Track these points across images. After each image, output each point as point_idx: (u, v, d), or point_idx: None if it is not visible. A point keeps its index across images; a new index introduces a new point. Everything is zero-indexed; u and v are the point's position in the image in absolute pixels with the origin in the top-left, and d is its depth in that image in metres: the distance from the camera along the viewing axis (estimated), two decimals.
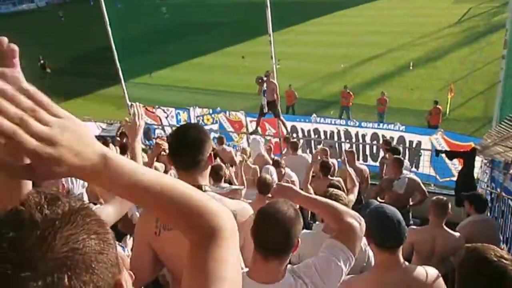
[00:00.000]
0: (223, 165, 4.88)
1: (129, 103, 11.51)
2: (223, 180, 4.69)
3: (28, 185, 0.83)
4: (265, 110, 9.53)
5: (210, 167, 1.92)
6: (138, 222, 1.94)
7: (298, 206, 1.78)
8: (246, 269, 1.74)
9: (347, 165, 5.18)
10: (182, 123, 11.55)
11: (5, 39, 0.68)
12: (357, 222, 1.74)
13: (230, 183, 5.56)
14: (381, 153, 8.61)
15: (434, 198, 3.84)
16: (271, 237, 1.62)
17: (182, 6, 37.51)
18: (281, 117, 10.05)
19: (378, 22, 29.42)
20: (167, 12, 32.90)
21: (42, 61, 26.11)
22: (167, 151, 2.34)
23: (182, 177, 1.82)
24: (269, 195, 1.85)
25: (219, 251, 0.84)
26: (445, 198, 3.78)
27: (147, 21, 31.81)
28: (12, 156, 0.62)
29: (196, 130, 1.87)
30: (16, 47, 0.68)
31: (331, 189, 3.24)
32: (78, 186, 3.43)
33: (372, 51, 22.82)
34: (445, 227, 3.77)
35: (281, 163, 6.42)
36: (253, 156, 7.81)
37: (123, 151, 6.45)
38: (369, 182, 6.95)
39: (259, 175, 6.30)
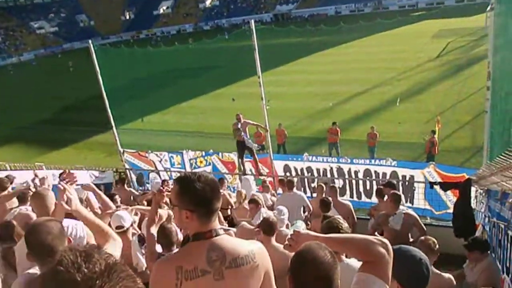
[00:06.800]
0: None
1: (121, 150, 11.46)
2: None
3: None
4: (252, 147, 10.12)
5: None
6: (155, 273, 1.83)
7: None
8: None
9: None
10: (176, 166, 11.48)
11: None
12: (383, 248, 1.71)
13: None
14: (375, 187, 8.56)
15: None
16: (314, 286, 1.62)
17: (172, 52, 38.33)
18: (255, 156, 10.27)
19: (362, 59, 30.34)
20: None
21: None
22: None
23: (205, 224, 1.86)
24: (287, 242, 1.85)
25: None
26: None
27: (138, 68, 32.28)
28: None
29: (216, 180, 1.95)
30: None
31: (330, 218, 3.28)
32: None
33: (359, 87, 23.38)
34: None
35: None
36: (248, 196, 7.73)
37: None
38: (355, 217, 7.00)
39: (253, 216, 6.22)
